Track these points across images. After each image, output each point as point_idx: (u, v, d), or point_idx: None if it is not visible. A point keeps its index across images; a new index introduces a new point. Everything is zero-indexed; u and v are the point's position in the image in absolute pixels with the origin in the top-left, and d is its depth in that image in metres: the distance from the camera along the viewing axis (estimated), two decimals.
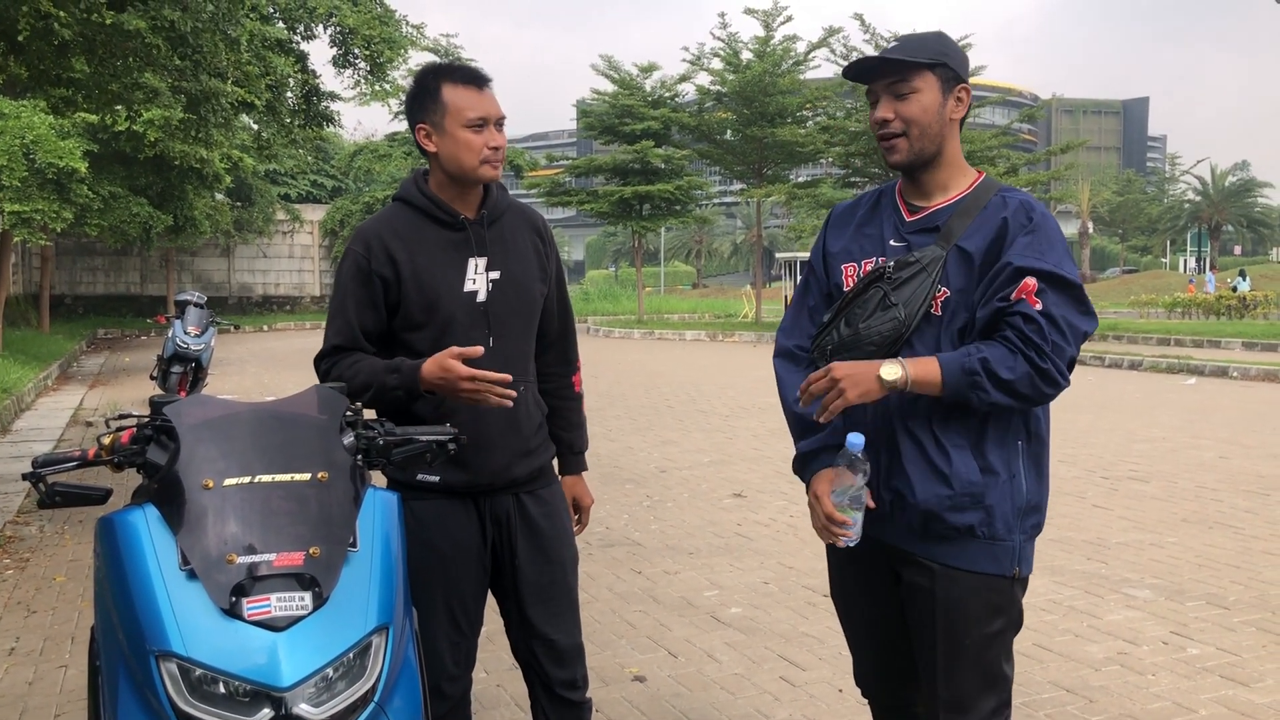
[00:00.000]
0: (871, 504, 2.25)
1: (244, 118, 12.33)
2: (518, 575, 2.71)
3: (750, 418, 11.57)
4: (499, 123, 2.61)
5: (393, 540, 2.13)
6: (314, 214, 35.90)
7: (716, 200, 53.40)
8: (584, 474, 2.99)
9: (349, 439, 2.21)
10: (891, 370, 2.11)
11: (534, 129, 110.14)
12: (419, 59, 35.00)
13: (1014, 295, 2.12)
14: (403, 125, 35.71)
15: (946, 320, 2.19)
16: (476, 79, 2.61)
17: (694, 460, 8.99)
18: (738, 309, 36.87)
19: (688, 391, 14.30)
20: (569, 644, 2.76)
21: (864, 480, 2.19)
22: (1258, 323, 26.13)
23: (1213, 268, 55.76)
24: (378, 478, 2.48)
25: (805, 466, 2.37)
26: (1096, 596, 5.09)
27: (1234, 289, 34.95)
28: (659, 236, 56.60)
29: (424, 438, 2.34)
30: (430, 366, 2.47)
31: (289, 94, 10.58)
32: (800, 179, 31.99)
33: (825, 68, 28.75)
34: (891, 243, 2.28)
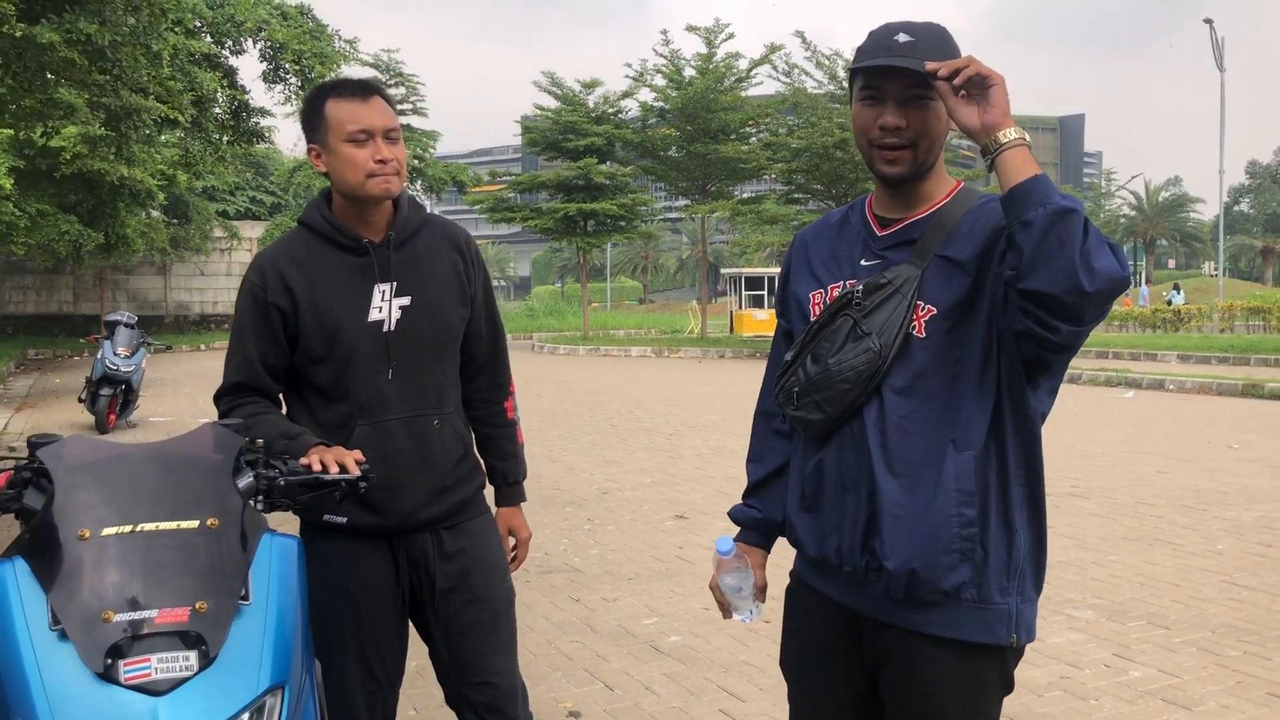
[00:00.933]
0: (755, 608, 2.15)
1: (170, 134, 11.97)
2: (442, 616, 2.55)
3: (694, 436, 11.48)
4: (388, 134, 2.44)
5: (291, 590, 1.97)
6: (253, 231, 35.28)
7: (662, 216, 53.48)
8: (521, 505, 2.82)
9: (246, 480, 2.05)
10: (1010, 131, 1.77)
11: (479, 144, 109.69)
12: (361, 74, 34.75)
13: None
14: None
15: (934, 342, 1.88)
16: (360, 90, 2.44)
17: (636, 481, 8.87)
18: (684, 325, 36.90)
19: (632, 410, 14.18)
20: (505, 686, 2.62)
21: (740, 582, 2.13)
22: (1192, 335, 26.66)
23: (1148, 281, 56.83)
24: (284, 518, 2.33)
25: (733, 521, 2.28)
26: (1040, 618, 5.02)
27: (1169, 302, 35.65)
28: (605, 252, 56.57)
29: (330, 477, 2.19)
30: (325, 454, 2.24)
31: (216, 109, 10.28)
32: (744, 195, 32.11)
33: (768, 85, 28.96)
34: (863, 262, 2.00)
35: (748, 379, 18.53)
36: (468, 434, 2.68)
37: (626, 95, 29.68)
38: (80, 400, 12.39)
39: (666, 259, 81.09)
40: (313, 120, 2.46)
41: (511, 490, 2.80)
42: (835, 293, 2.00)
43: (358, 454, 2.25)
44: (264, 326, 2.47)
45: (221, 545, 1.87)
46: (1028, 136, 1.80)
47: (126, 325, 12.18)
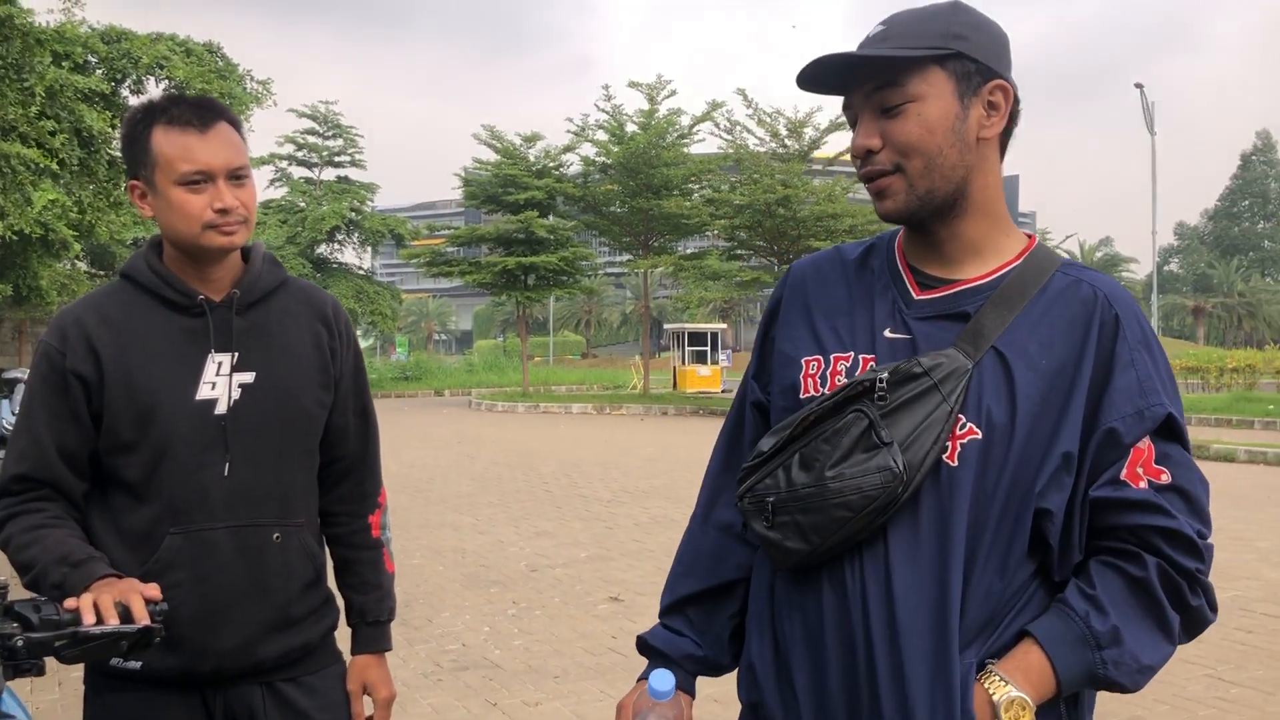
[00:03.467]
0: None
1: (46, 183, 10.99)
2: None
3: (633, 503, 10.88)
4: (234, 175, 1.89)
5: None
6: None
7: (605, 270, 53.18)
8: (385, 654, 2.15)
9: None
10: (1000, 689, 1.30)
11: (423, 198, 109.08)
12: (298, 125, 34.16)
13: (1123, 474, 1.34)
14: (278, 192, 34.66)
15: (970, 479, 1.33)
16: (197, 116, 1.88)
17: (570, 556, 8.24)
18: (626, 380, 36.40)
19: (569, 473, 13.54)
20: None
21: None
22: None
23: None
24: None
25: (644, 649, 1.65)
26: None
27: None
28: (548, 306, 56.03)
29: (100, 631, 1.59)
30: (103, 595, 1.65)
31: (109, 151, 9.53)
32: (687, 250, 31.87)
33: (710, 142, 28.91)
34: (886, 333, 1.44)
35: (690, 438, 18.00)
36: (321, 556, 2.08)
37: (568, 149, 29.40)
38: None
39: (610, 313, 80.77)
40: (134, 151, 1.90)
41: (372, 633, 2.15)
42: (840, 367, 1.45)
43: (152, 589, 1.65)
44: (61, 402, 1.87)
45: None
46: (1006, 686, 1.31)
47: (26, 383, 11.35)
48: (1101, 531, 1.37)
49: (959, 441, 1.34)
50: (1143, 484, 1.34)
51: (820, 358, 1.47)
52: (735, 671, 1.60)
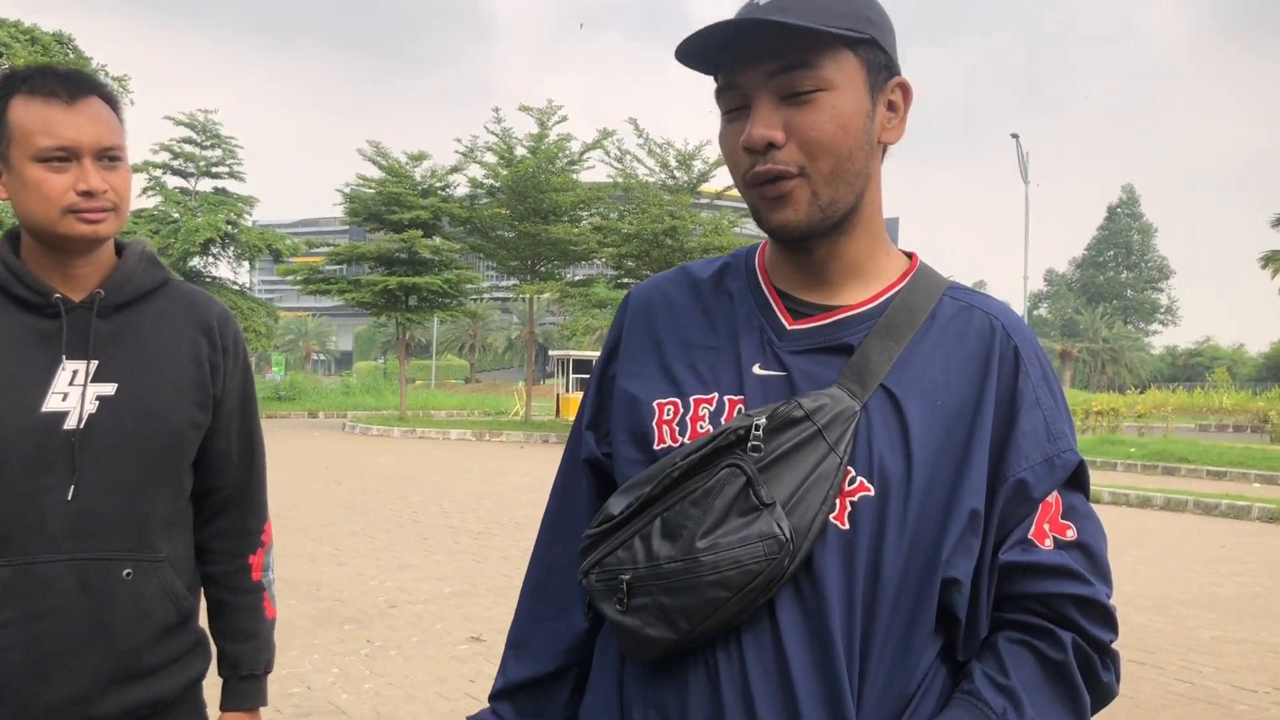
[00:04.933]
0: None
1: None
2: None
3: (504, 535, 10.51)
4: (104, 155, 1.64)
5: None
6: None
7: (490, 295, 52.58)
8: (259, 710, 1.89)
9: None
10: None
11: (305, 215, 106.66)
12: (175, 134, 32.84)
13: (1031, 533, 1.14)
14: (150, 201, 33.24)
15: (865, 545, 1.11)
16: (64, 87, 1.63)
17: (432, 591, 7.84)
18: (508, 406, 35.90)
19: (440, 502, 13.08)
20: None
21: None
22: None
23: None
24: None
25: None
26: None
27: None
28: (431, 329, 55.13)
29: None
30: None
31: None
32: (575, 277, 31.66)
33: (600, 169, 28.85)
34: (756, 370, 1.20)
35: None
36: (190, 599, 1.77)
37: (455, 170, 28.91)
38: None
39: (495, 338, 80.00)
40: None
41: (245, 688, 1.87)
42: (702, 411, 1.20)
43: None
44: None
45: None
46: None
47: None
48: (1006, 600, 1.16)
49: (848, 499, 1.11)
50: (1048, 542, 1.15)
51: (677, 400, 1.22)
52: None
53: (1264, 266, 45.52)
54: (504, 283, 39.34)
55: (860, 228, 1.20)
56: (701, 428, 1.19)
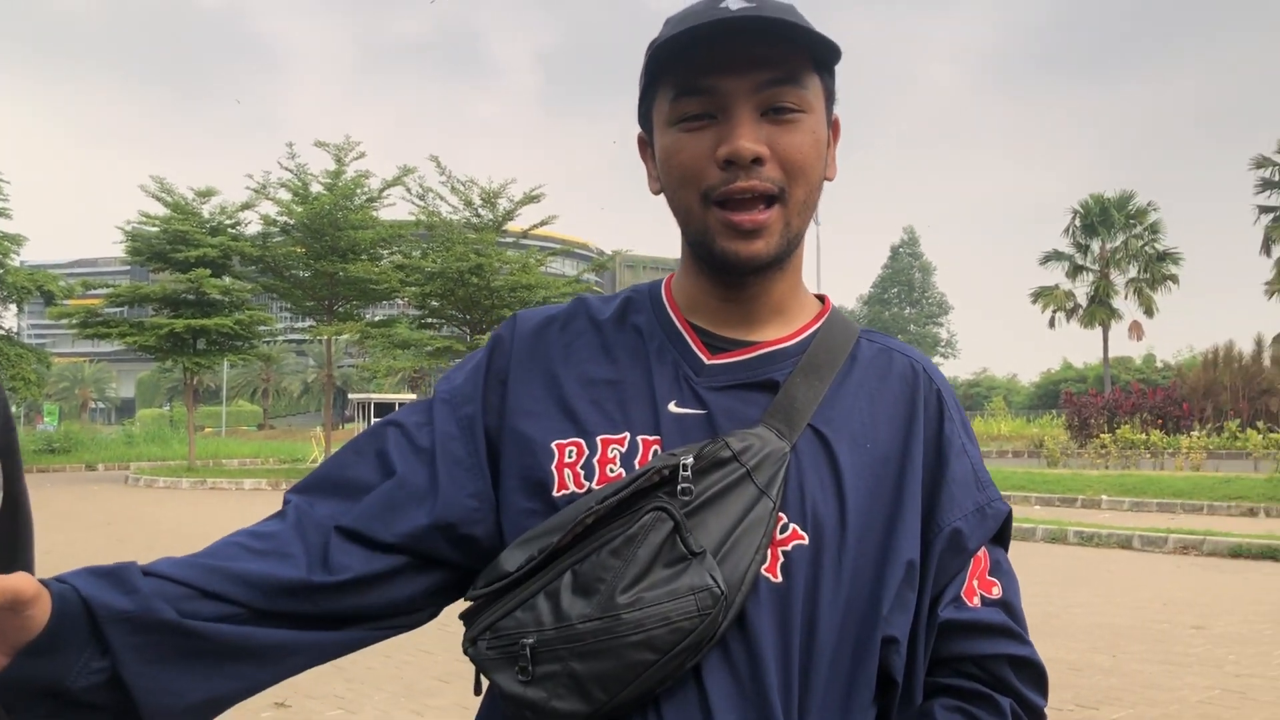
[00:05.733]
0: None
1: None
2: None
3: None
4: None
5: None
6: None
7: (285, 337, 50.61)
8: None
9: None
10: None
11: (81, 254, 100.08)
12: None
13: (964, 590, 1.06)
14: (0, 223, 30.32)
15: (799, 599, 0.99)
16: None
17: None
18: (306, 453, 34.50)
19: None
20: None
21: None
22: None
23: None
24: None
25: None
26: None
27: None
28: (221, 374, 52.54)
29: None
30: None
31: None
32: (375, 317, 30.82)
33: (401, 207, 28.27)
34: (672, 407, 1.08)
35: None
36: None
37: (246, 207, 27.64)
38: None
39: (290, 382, 76.99)
40: None
41: None
42: (612, 453, 1.06)
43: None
44: None
45: None
46: None
47: None
48: (938, 664, 1.06)
49: (780, 549, 1.00)
50: (976, 600, 1.06)
51: (580, 441, 1.07)
52: None
53: (1034, 301, 49.12)
54: (300, 324, 38.00)
55: (793, 265, 1.12)
56: (612, 471, 1.05)
